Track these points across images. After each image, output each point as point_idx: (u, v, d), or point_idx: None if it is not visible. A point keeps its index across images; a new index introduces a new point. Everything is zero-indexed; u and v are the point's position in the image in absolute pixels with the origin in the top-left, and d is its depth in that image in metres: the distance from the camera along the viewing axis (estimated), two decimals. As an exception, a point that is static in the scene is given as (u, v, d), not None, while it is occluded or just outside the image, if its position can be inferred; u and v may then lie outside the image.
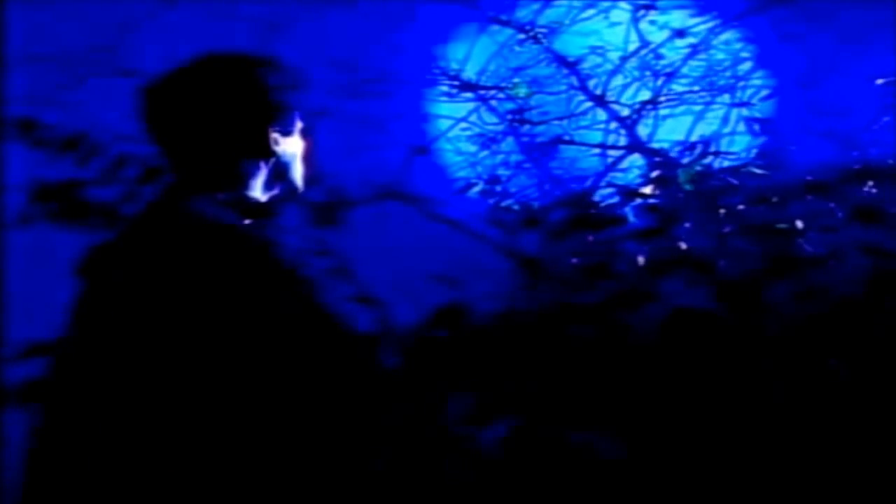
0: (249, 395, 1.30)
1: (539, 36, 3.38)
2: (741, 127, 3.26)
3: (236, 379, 1.30)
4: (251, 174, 1.50)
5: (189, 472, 1.27)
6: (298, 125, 1.56)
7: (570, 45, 3.40)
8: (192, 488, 1.27)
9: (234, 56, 1.50)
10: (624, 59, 3.39)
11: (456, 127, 3.41)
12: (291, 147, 1.54)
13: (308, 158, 1.59)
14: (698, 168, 2.88)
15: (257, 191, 1.51)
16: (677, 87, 3.40)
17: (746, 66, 3.43)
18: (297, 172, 1.57)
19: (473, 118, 3.43)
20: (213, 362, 1.29)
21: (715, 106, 3.38)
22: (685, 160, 3.01)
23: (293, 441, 1.31)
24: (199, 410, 1.28)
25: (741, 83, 3.41)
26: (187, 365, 1.29)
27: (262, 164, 1.51)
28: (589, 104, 3.42)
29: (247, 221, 1.46)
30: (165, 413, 1.28)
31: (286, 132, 1.53)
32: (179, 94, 1.46)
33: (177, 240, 1.35)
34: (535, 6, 3.38)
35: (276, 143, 1.51)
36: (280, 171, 1.53)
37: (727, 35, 3.42)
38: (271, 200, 1.54)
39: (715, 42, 3.41)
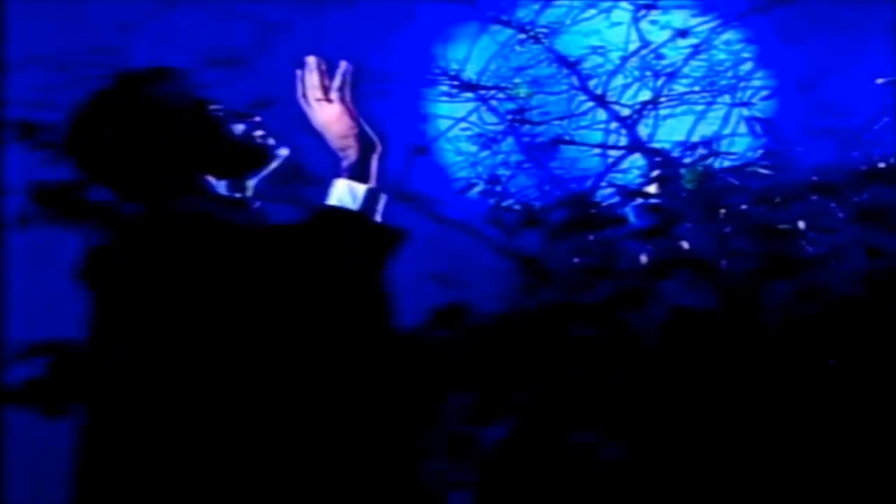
0: (289, 391, 1.30)
1: (539, 36, 3.38)
2: (742, 127, 3.26)
3: (274, 375, 1.30)
4: (206, 176, 1.47)
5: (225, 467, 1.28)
6: (214, 111, 1.50)
7: (570, 44, 3.39)
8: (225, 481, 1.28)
9: (122, 83, 1.48)
10: (625, 59, 3.38)
11: (456, 127, 3.41)
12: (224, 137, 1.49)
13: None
14: (700, 168, 2.88)
15: (223, 188, 1.48)
16: (678, 88, 3.40)
17: (747, 66, 3.43)
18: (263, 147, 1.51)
19: (473, 118, 3.42)
20: (249, 358, 1.30)
21: (716, 106, 3.38)
22: (686, 160, 3.00)
23: (314, 438, 1.31)
24: (244, 408, 1.28)
25: (742, 83, 3.41)
26: (222, 361, 1.29)
27: (214, 165, 1.48)
28: (589, 104, 3.41)
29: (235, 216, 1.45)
30: (211, 409, 1.28)
31: (212, 128, 1.48)
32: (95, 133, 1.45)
33: (191, 239, 1.35)
34: (536, 6, 3.38)
35: (213, 143, 1.47)
36: (237, 161, 1.49)
37: (728, 35, 3.42)
38: (247, 193, 1.51)
39: (716, 42, 3.41)
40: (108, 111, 1.46)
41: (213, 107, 1.49)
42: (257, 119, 1.53)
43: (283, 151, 1.53)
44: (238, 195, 1.49)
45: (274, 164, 1.53)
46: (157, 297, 1.31)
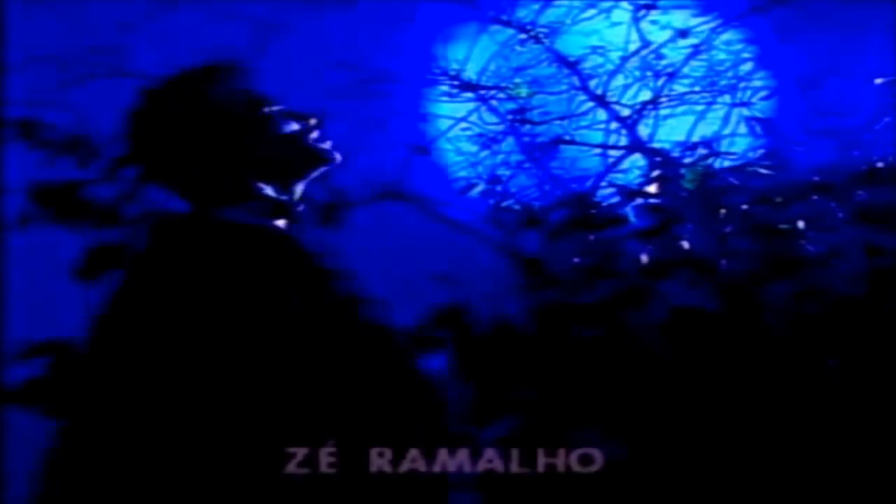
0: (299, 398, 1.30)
1: (540, 36, 3.38)
2: (742, 127, 3.26)
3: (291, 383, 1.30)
4: (257, 177, 1.46)
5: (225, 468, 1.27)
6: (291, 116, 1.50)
7: (570, 44, 3.40)
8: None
9: (201, 73, 1.47)
10: (625, 59, 3.39)
11: (456, 127, 3.41)
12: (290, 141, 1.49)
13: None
14: (700, 168, 2.88)
15: (271, 191, 1.46)
16: (678, 88, 3.41)
17: (747, 66, 3.43)
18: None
19: (473, 118, 3.43)
20: (266, 367, 1.29)
21: (716, 106, 3.38)
22: (686, 160, 3.00)
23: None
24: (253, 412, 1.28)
25: (742, 83, 3.41)
26: (236, 367, 1.28)
27: (268, 167, 1.47)
28: (590, 104, 3.42)
29: (279, 223, 1.44)
30: (212, 415, 1.27)
31: (275, 131, 1.48)
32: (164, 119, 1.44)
33: (222, 248, 1.33)
34: (536, 6, 3.38)
35: (277, 144, 1.47)
36: (291, 163, 1.48)
37: (728, 35, 3.42)
38: (293, 196, 1.50)
39: (716, 42, 3.42)
40: (169, 109, 1.44)
41: (271, 107, 1.48)
42: (313, 121, 1.51)
43: (336, 156, 1.51)
44: (285, 198, 1.47)
45: (324, 168, 1.51)
46: (190, 300, 1.30)
